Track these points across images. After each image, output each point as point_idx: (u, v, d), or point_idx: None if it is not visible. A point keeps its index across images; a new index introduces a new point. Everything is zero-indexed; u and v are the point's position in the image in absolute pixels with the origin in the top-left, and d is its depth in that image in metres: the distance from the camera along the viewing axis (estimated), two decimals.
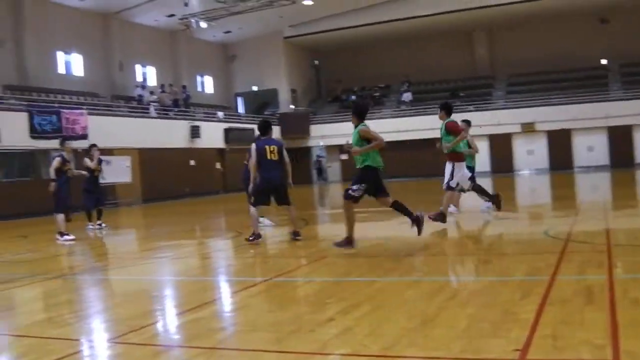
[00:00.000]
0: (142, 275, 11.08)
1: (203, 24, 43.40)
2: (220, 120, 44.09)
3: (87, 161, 18.74)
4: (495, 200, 15.45)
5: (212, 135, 41.25)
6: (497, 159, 45.16)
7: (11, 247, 16.83)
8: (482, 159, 44.84)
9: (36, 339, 6.51)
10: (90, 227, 18.91)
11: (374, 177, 11.24)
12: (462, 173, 14.56)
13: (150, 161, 36.16)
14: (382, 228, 15.34)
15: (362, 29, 47.96)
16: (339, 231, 15.41)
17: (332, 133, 48.25)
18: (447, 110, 14.62)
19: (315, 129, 50.22)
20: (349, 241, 11.22)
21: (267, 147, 13.34)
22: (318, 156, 50.56)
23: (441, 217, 14.10)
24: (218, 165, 41.53)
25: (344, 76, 54.04)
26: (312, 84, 56.41)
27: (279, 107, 51.79)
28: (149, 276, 10.98)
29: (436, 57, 50.87)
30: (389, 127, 44.00)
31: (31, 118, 29.78)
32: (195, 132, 39.87)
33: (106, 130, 32.59)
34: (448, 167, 14.69)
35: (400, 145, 40.00)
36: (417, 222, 11.48)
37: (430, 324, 6.02)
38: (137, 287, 9.87)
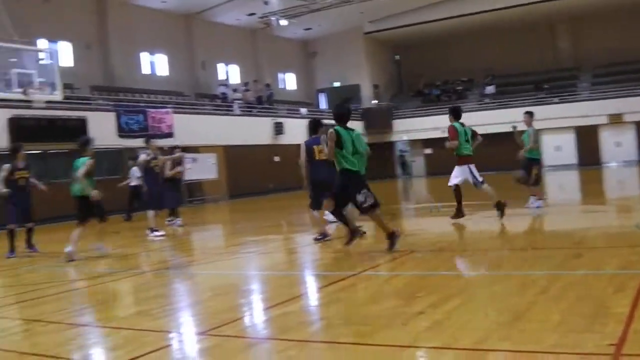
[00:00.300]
0: (231, 269, 11.25)
1: (283, 22, 43.64)
2: (303, 117, 44.25)
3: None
4: (500, 206, 14.69)
5: (296, 131, 41.43)
6: (583, 151, 44.33)
7: (104, 243, 17.23)
8: (569, 152, 44.23)
9: (132, 331, 6.68)
10: (169, 222, 19.09)
11: (355, 180, 10.96)
12: (463, 174, 15.16)
13: (235, 158, 36.56)
14: (468, 222, 15.21)
15: (443, 22, 47.50)
16: (425, 225, 15.39)
17: (414, 127, 48.03)
18: (453, 114, 15.43)
19: (398, 124, 50.02)
20: (391, 236, 10.88)
21: (315, 147, 12.97)
22: (401, 151, 50.37)
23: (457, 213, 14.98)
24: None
25: (425, 70, 53.65)
26: (394, 79, 56.17)
27: (362, 103, 51.70)
28: (237, 271, 11.14)
29: (519, 50, 49.98)
30: (473, 121, 43.29)
31: (118, 118, 30.43)
32: (278, 129, 40.18)
33: (191, 128, 33.10)
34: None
35: (485, 139, 39.60)
36: (353, 235, 11.34)
37: (522, 318, 5.96)
38: (226, 282, 10.03)
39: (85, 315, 8.09)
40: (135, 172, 23.37)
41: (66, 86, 27.59)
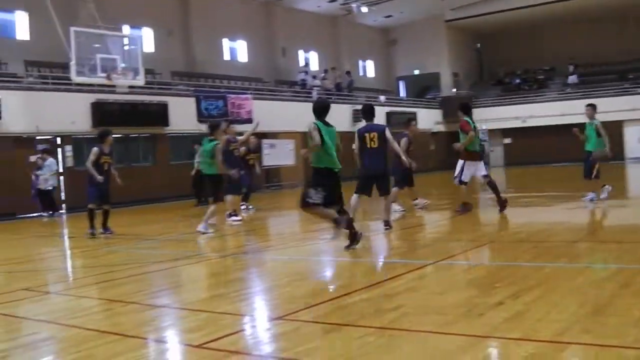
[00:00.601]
0: (307, 255, 11.29)
1: (364, 9, 43.56)
2: (382, 104, 44.11)
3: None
4: (501, 202, 15.07)
5: (375, 119, 41.29)
6: None
7: (179, 226, 17.48)
8: None
9: (211, 314, 6.75)
10: (242, 208, 19.21)
11: (328, 179, 10.53)
12: (474, 169, 15.25)
13: None
14: (547, 213, 15.01)
15: (525, 10, 46.63)
16: (503, 216, 15.21)
17: (494, 117, 47.42)
18: (463, 109, 15.63)
19: (478, 113, 49.17)
20: (337, 222, 10.48)
21: (366, 134, 12.68)
22: (480, 140, 49.80)
23: (466, 207, 15.29)
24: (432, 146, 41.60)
25: (506, 59, 52.86)
26: (474, 68, 55.57)
27: (441, 91, 51.31)
28: (314, 257, 11.16)
29: (603, 38, 48.79)
30: (554, 110, 42.89)
31: (198, 103, 30.76)
32: (357, 116, 40.08)
33: (270, 114, 33.26)
34: (460, 163, 15.45)
35: (566, 129, 38.91)
36: (353, 238, 10.76)
37: (603, 312, 5.86)
38: (303, 267, 10.08)
39: (163, 297, 8.21)
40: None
41: (147, 72, 28.04)
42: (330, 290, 8.11)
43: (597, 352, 4.89)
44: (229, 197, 16.43)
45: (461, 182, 15.38)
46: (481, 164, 15.58)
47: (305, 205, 10.45)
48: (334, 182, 10.57)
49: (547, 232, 12.19)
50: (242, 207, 19.09)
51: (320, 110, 10.97)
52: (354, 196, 12.85)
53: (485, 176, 15.44)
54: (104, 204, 15.26)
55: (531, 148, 44.26)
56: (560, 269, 8.22)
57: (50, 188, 22.71)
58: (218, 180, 14.67)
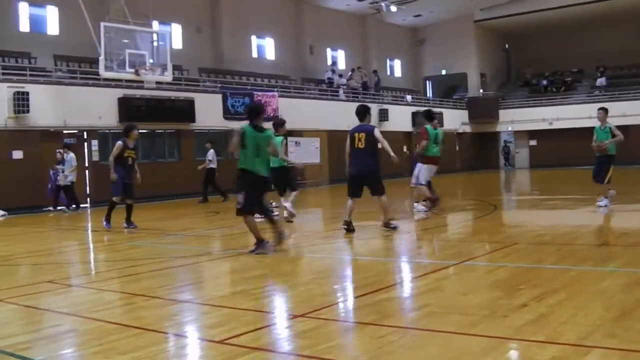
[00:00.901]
0: (331, 254, 11.27)
1: (393, 8, 43.52)
2: (408, 104, 44.06)
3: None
4: (434, 202, 16.37)
5: (400, 118, 41.27)
6: None
7: (203, 223, 17.53)
8: None
9: (233, 310, 6.75)
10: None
11: (251, 183, 10.60)
12: (429, 173, 16.31)
13: (338, 143, 36.56)
14: (572, 216, 14.91)
15: (555, 11, 46.43)
16: (528, 217, 15.13)
17: (521, 118, 47.23)
18: (426, 117, 16.82)
19: (504, 114, 49.21)
20: (258, 242, 10.71)
21: (356, 134, 12.69)
22: (506, 142, 49.63)
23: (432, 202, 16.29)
24: (405, 149, 41.53)
25: (534, 60, 52.56)
26: (502, 68, 55.35)
27: (468, 91, 51.14)
28: (338, 255, 11.15)
29: (632, 40, 48.32)
30: (582, 113, 42.47)
31: (225, 100, 30.86)
32: (383, 115, 40.03)
33: (296, 112, 33.29)
34: (418, 166, 16.38)
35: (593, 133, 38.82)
36: (279, 236, 10.95)
37: (628, 316, 5.79)
38: (327, 265, 10.06)
39: (185, 292, 8.21)
40: (211, 154, 23.87)
41: (175, 68, 28.13)
42: (354, 288, 8.08)
43: (621, 356, 4.83)
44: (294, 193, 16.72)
45: (419, 184, 16.33)
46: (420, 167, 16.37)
47: (238, 212, 10.75)
48: (256, 186, 10.65)
49: (572, 234, 12.10)
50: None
51: (252, 114, 11.06)
52: (349, 200, 12.98)
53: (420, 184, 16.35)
54: (127, 198, 15.36)
55: (557, 150, 44.04)
56: (585, 272, 8.15)
57: (69, 183, 22.76)
58: (288, 171, 15.70)
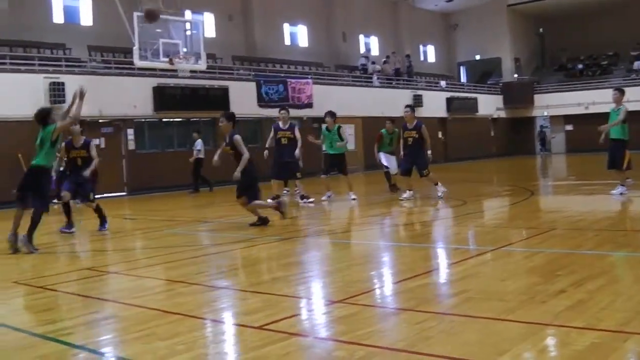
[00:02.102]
0: (367, 240, 11.29)
1: None
2: (442, 90, 43.86)
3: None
4: (392, 187, 19.79)
5: (435, 104, 41.10)
6: None
7: (238, 210, 17.59)
8: None
9: (271, 296, 6.79)
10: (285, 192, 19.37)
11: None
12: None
13: (372, 129, 36.52)
14: (609, 201, 14.77)
15: None
16: (565, 203, 15.01)
17: (556, 103, 46.79)
18: (331, 115, 18.06)
19: (539, 99, 48.76)
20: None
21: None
22: (541, 127, 49.22)
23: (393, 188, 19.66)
24: (440, 135, 41.40)
25: (569, 44, 51.91)
26: (536, 53, 54.83)
27: (502, 76, 50.76)
28: (374, 241, 11.16)
29: None
30: None
31: (259, 87, 30.93)
32: (417, 101, 39.88)
33: (330, 99, 33.28)
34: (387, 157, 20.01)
35: (631, 116, 38.41)
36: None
37: None
38: (363, 252, 10.08)
39: (224, 278, 8.28)
40: (199, 144, 23.86)
41: (209, 56, 28.20)
42: (390, 275, 8.10)
43: None
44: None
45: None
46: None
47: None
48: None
49: (609, 220, 12.02)
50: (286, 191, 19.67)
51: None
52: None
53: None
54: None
55: (594, 135, 43.44)
56: (624, 258, 8.09)
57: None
58: (343, 157, 18.03)
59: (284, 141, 16.97)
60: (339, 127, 17.88)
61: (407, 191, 16.88)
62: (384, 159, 20.15)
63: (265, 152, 17.67)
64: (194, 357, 4.94)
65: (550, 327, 5.23)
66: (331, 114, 17.80)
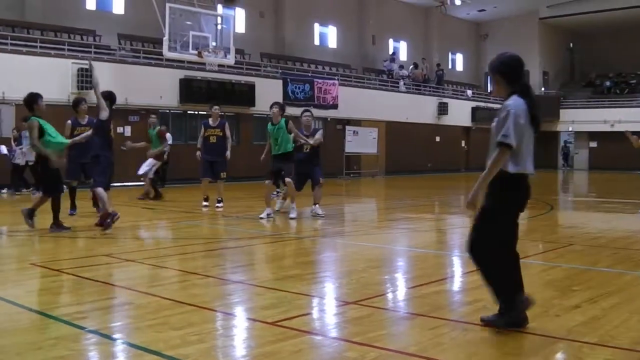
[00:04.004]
0: (385, 243, 11.27)
1: (458, 2, 43.23)
2: (468, 99, 43.77)
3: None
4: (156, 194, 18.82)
5: (460, 113, 41.05)
6: None
7: (259, 206, 17.62)
8: None
9: (286, 293, 6.82)
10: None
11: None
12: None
13: (396, 134, 36.60)
14: (630, 220, 14.70)
15: (623, 11, 45.42)
16: (586, 218, 14.95)
17: (582, 119, 46.60)
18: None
19: (565, 114, 48.55)
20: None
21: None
22: (566, 142, 49.02)
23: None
24: (463, 144, 41.34)
25: (598, 60, 51.69)
26: (565, 67, 54.60)
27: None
28: (391, 245, 11.15)
29: None
30: None
31: (285, 85, 31.00)
32: (442, 109, 39.86)
33: (356, 101, 33.33)
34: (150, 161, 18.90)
35: None
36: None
37: None
38: (380, 255, 10.08)
39: (239, 273, 8.31)
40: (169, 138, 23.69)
41: (237, 52, 28.31)
42: (407, 279, 8.10)
43: None
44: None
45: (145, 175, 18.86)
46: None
47: None
48: None
49: (629, 239, 11.95)
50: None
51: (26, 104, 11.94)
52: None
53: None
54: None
55: (618, 153, 43.33)
56: None
57: (23, 163, 20.70)
58: (290, 159, 15.49)
59: (212, 139, 16.56)
60: (287, 121, 14.49)
61: None
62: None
63: (198, 153, 16.70)
64: (206, 349, 4.97)
65: (563, 341, 5.24)
66: (279, 105, 14.97)
